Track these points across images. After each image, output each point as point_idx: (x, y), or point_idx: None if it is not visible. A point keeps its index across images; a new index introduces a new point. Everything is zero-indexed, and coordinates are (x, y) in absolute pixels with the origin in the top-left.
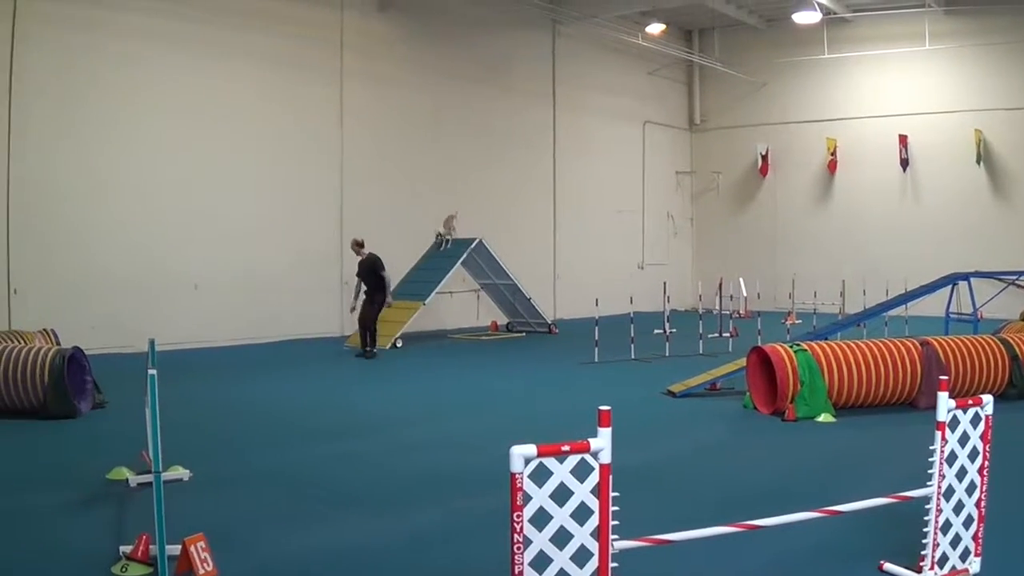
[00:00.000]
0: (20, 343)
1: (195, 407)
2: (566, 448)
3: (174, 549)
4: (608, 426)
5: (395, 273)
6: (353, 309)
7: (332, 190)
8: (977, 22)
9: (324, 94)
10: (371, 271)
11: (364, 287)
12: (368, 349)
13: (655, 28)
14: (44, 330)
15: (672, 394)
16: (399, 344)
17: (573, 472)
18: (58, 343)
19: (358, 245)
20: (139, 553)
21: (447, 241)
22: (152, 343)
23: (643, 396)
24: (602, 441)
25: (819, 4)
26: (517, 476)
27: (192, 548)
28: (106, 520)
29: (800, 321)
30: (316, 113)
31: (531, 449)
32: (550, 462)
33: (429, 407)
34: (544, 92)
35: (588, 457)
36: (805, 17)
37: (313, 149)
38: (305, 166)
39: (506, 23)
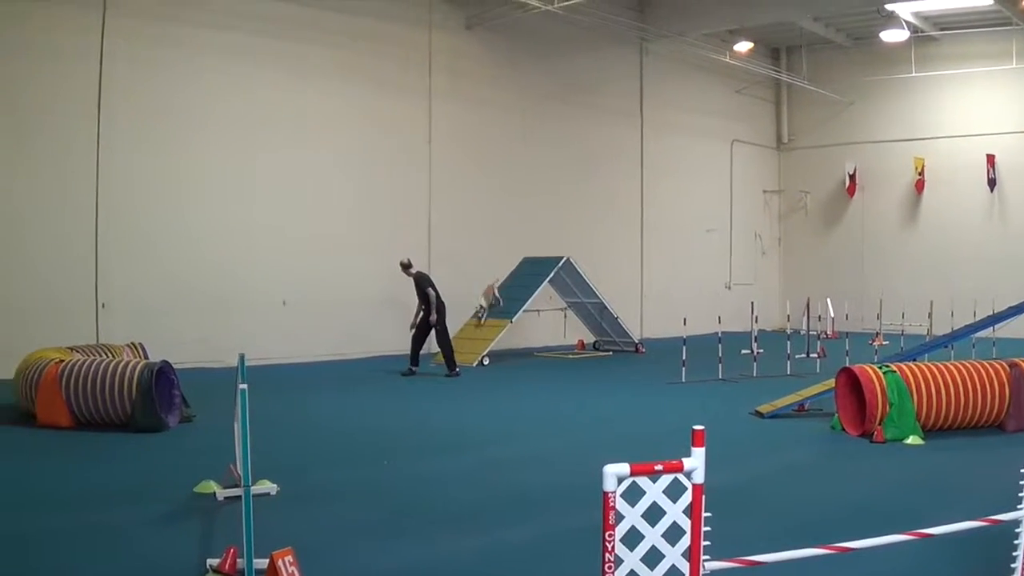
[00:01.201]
0: (109, 356)
1: (282, 422)
2: (659, 467)
3: (262, 563)
4: (702, 446)
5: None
6: (412, 327)
7: (420, 207)
8: None
9: (413, 112)
10: (417, 290)
11: (423, 305)
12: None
13: (743, 46)
14: (132, 343)
15: (760, 415)
16: (486, 362)
17: (666, 492)
18: (146, 357)
19: (405, 267)
20: (226, 566)
21: (485, 311)
22: (242, 358)
23: (731, 416)
24: (695, 461)
25: (906, 22)
26: (610, 495)
27: (280, 562)
28: (193, 533)
29: (888, 342)
30: (405, 131)
31: (624, 468)
32: (643, 481)
33: (516, 425)
34: (632, 110)
35: (681, 477)
36: (892, 35)
37: (402, 167)
38: (394, 184)
39: (593, 41)
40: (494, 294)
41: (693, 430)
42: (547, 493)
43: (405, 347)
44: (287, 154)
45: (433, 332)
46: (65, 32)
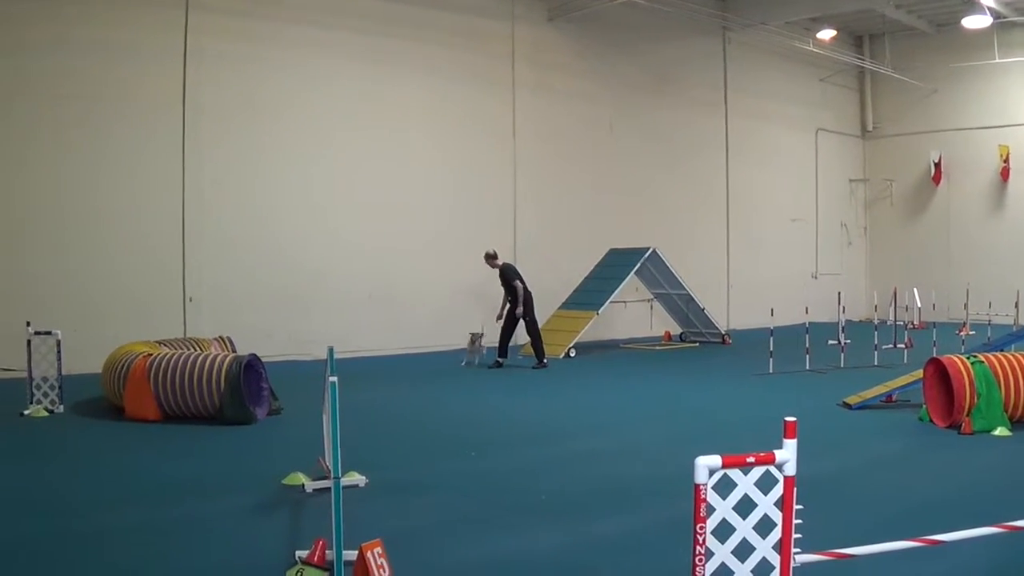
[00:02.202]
0: (197, 350)
1: (369, 415)
2: (751, 459)
3: (351, 555)
4: (794, 437)
5: (569, 283)
6: (499, 318)
7: (505, 200)
8: None
9: (496, 105)
10: (503, 282)
11: (509, 297)
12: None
13: (826, 34)
14: (220, 337)
15: (848, 406)
16: (572, 354)
17: (757, 484)
18: (234, 350)
19: (490, 258)
20: (315, 558)
21: (470, 364)
22: (331, 350)
23: (819, 408)
24: (787, 453)
25: (989, 8)
26: (701, 487)
27: (369, 554)
28: (282, 525)
29: (974, 332)
30: (489, 124)
31: (716, 460)
32: (734, 473)
33: (604, 416)
34: (716, 100)
35: (772, 469)
36: (975, 22)
37: (486, 159)
38: (478, 176)
39: (676, 31)
40: (479, 346)
41: (785, 421)
42: (636, 484)
43: (491, 339)
44: (371, 148)
45: (522, 324)
46: (149, 30)
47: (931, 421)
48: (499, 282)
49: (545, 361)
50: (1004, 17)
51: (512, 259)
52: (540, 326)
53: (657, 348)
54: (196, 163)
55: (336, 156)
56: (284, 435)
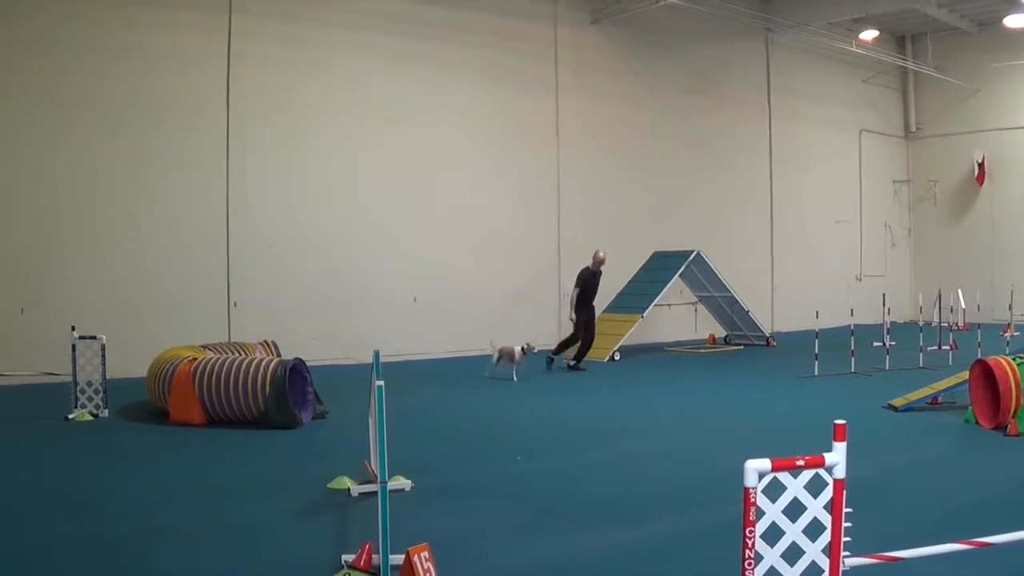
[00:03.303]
0: (242, 355)
1: (415, 418)
2: (801, 463)
3: (397, 559)
4: (843, 440)
5: (612, 286)
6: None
7: (550, 203)
8: None
9: (540, 107)
10: None
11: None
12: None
13: (868, 34)
14: (265, 341)
15: (894, 408)
16: (617, 357)
17: (806, 487)
18: (278, 354)
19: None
20: (362, 562)
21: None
22: (377, 354)
23: (865, 410)
24: (837, 456)
25: None
26: (751, 491)
27: (416, 558)
28: (328, 529)
29: (1019, 333)
30: (533, 126)
31: (765, 463)
32: (783, 476)
33: (650, 419)
34: (759, 101)
35: (822, 472)
36: (1016, 20)
37: (531, 162)
38: (522, 179)
39: (718, 32)
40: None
41: (835, 424)
42: (684, 488)
43: (536, 343)
44: (414, 151)
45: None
46: (193, 33)
47: (977, 423)
48: (569, 284)
49: (581, 366)
50: None
51: (557, 262)
52: None
53: (702, 351)
54: (239, 167)
55: (379, 159)
56: (329, 439)
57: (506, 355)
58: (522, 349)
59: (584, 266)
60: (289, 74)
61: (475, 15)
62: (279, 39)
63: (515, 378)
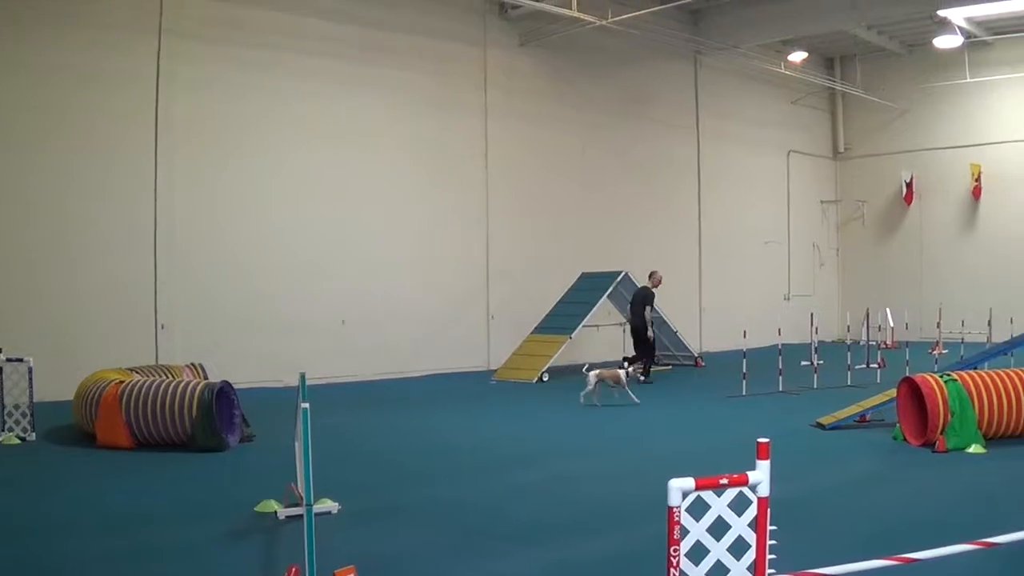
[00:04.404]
0: (169, 377)
1: (343, 441)
2: (724, 481)
3: None
4: (767, 459)
5: (541, 307)
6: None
7: (478, 224)
8: None
9: (469, 130)
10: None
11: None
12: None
13: (797, 56)
14: (191, 364)
15: (822, 426)
16: (545, 378)
17: (731, 505)
18: (205, 377)
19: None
20: None
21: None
22: (303, 377)
23: (792, 429)
24: (761, 474)
25: (960, 28)
26: (675, 510)
27: None
28: (255, 553)
29: (947, 351)
30: (461, 149)
31: (689, 482)
32: (708, 495)
33: (579, 441)
34: (688, 123)
35: (746, 490)
36: (946, 42)
37: (459, 184)
38: (451, 201)
39: (647, 55)
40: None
41: (758, 443)
42: (612, 507)
43: (463, 365)
44: (343, 174)
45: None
46: (121, 54)
47: (905, 440)
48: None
49: (647, 379)
50: (975, 37)
51: (485, 284)
52: (514, 350)
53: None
54: (168, 189)
55: (308, 181)
56: (256, 462)
57: (610, 379)
58: (625, 372)
59: (644, 286)
60: (218, 95)
61: (406, 37)
62: (210, 60)
63: (636, 399)
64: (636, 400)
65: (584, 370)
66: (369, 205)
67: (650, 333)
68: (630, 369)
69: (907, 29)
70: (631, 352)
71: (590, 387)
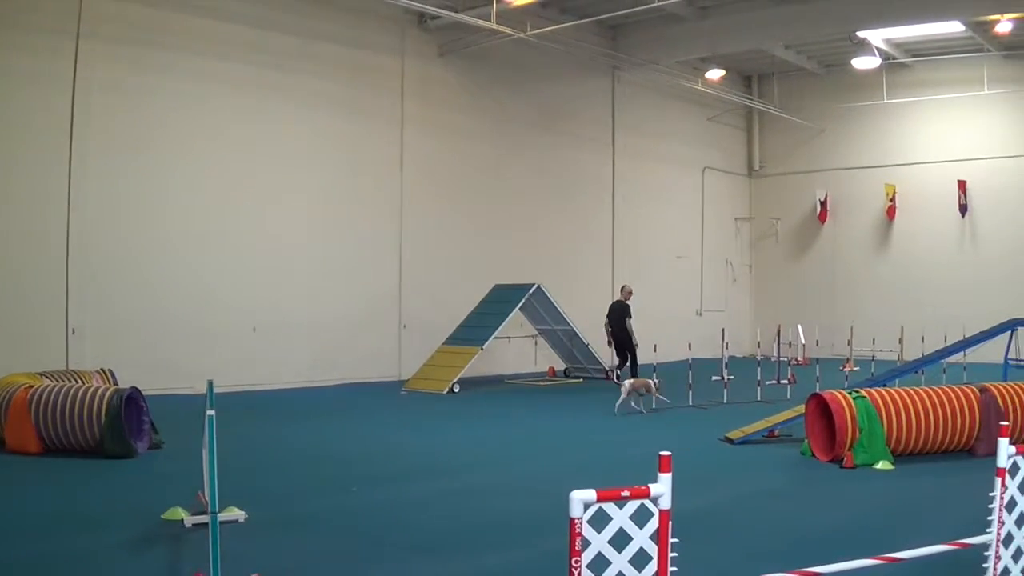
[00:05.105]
0: (78, 382)
1: (252, 450)
2: (626, 493)
3: None
4: (668, 472)
5: (454, 317)
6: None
7: (392, 234)
8: None
9: (385, 139)
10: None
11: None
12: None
13: (715, 74)
14: (101, 369)
15: (730, 441)
16: (456, 389)
17: (632, 518)
18: (115, 383)
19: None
20: None
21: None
22: (210, 384)
23: (701, 443)
24: (662, 487)
25: (878, 49)
26: (576, 521)
27: None
28: (161, 560)
29: (858, 368)
30: (377, 158)
31: (590, 494)
32: (609, 507)
33: (488, 452)
34: (604, 138)
35: (648, 503)
36: (864, 63)
37: (374, 193)
38: (366, 210)
39: (566, 69)
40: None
41: (660, 456)
42: (519, 519)
43: (376, 375)
44: (258, 180)
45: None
46: (38, 57)
47: (813, 455)
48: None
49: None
50: (892, 58)
51: (398, 292)
52: (426, 361)
53: (542, 384)
54: (81, 193)
55: (223, 187)
56: (164, 469)
57: (644, 388)
58: (654, 381)
59: (618, 300)
60: (136, 100)
61: (324, 45)
62: (127, 64)
63: (668, 400)
64: (668, 401)
65: (617, 380)
66: (283, 213)
67: (635, 341)
68: (656, 381)
69: (825, 49)
70: (552, 364)
71: (625, 396)
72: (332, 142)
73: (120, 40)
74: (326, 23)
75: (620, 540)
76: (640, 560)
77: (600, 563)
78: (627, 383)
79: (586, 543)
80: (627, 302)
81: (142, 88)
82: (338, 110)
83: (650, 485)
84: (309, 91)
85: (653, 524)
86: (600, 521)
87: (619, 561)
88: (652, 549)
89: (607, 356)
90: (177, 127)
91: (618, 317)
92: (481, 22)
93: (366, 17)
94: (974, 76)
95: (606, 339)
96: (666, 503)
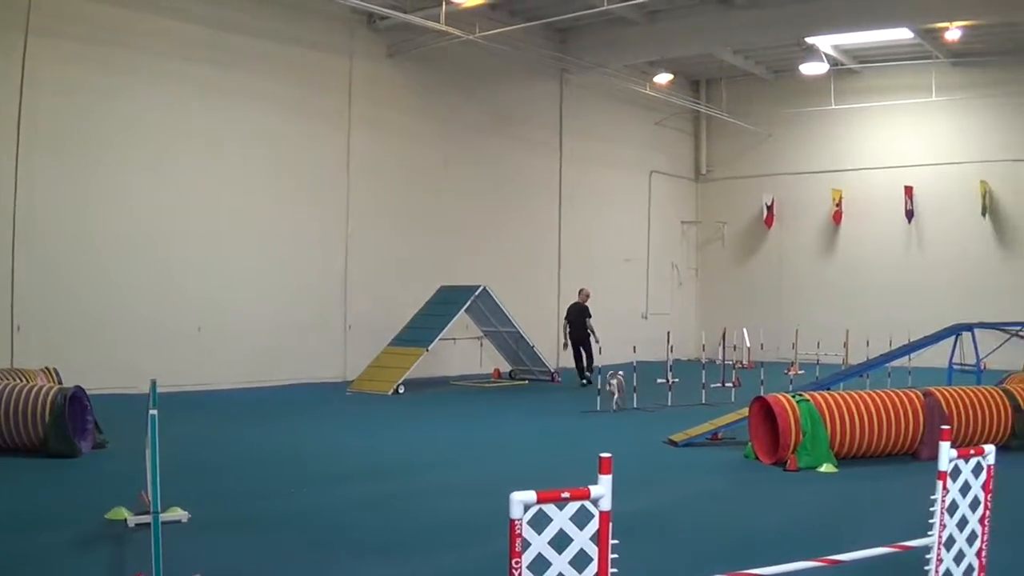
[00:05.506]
0: (21, 381)
1: (196, 450)
2: (566, 495)
3: None
4: (608, 473)
5: (400, 319)
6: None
7: (338, 235)
8: (984, 74)
9: (332, 140)
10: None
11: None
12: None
13: (663, 78)
14: (46, 368)
15: (674, 443)
16: (401, 390)
17: (573, 519)
18: (60, 382)
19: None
20: None
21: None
22: (153, 383)
23: (645, 445)
24: (602, 488)
25: (826, 55)
26: (516, 522)
27: None
28: (103, 561)
29: (803, 371)
30: (324, 158)
31: (531, 495)
32: (550, 509)
33: (433, 454)
34: (551, 141)
35: (588, 504)
36: (812, 68)
37: (320, 194)
38: (312, 211)
39: (514, 72)
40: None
41: (600, 457)
42: (463, 521)
43: (321, 375)
44: (205, 179)
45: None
46: None
47: (757, 458)
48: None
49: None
50: (841, 64)
51: (343, 293)
52: (370, 363)
53: (487, 386)
54: (28, 190)
55: (170, 186)
56: (108, 469)
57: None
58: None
59: (577, 302)
60: (85, 96)
61: (272, 44)
62: (76, 62)
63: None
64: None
65: (609, 380)
66: (228, 211)
67: (594, 340)
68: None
69: (774, 55)
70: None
71: (619, 394)
72: (279, 142)
73: (69, 37)
74: (274, 22)
75: (561, 541)
76: (581, 561)
77: (540, 564)
78: (616, 380)
79: (526, 544)
80: (586, 304)
81: (90, 84)
82: (285, 110)
83: (590, 487)
84: (255, 89)
85: (593, 526)
86: (541, 522)
87: (559, 562)
88: (592, 551)
89: (553, 358)
90: (124, 125)
91: (577, 318)
92: (430, 23)
93: (314, 16)
94: (922, 83)
95: (563, 340)
96: (606, 505)
